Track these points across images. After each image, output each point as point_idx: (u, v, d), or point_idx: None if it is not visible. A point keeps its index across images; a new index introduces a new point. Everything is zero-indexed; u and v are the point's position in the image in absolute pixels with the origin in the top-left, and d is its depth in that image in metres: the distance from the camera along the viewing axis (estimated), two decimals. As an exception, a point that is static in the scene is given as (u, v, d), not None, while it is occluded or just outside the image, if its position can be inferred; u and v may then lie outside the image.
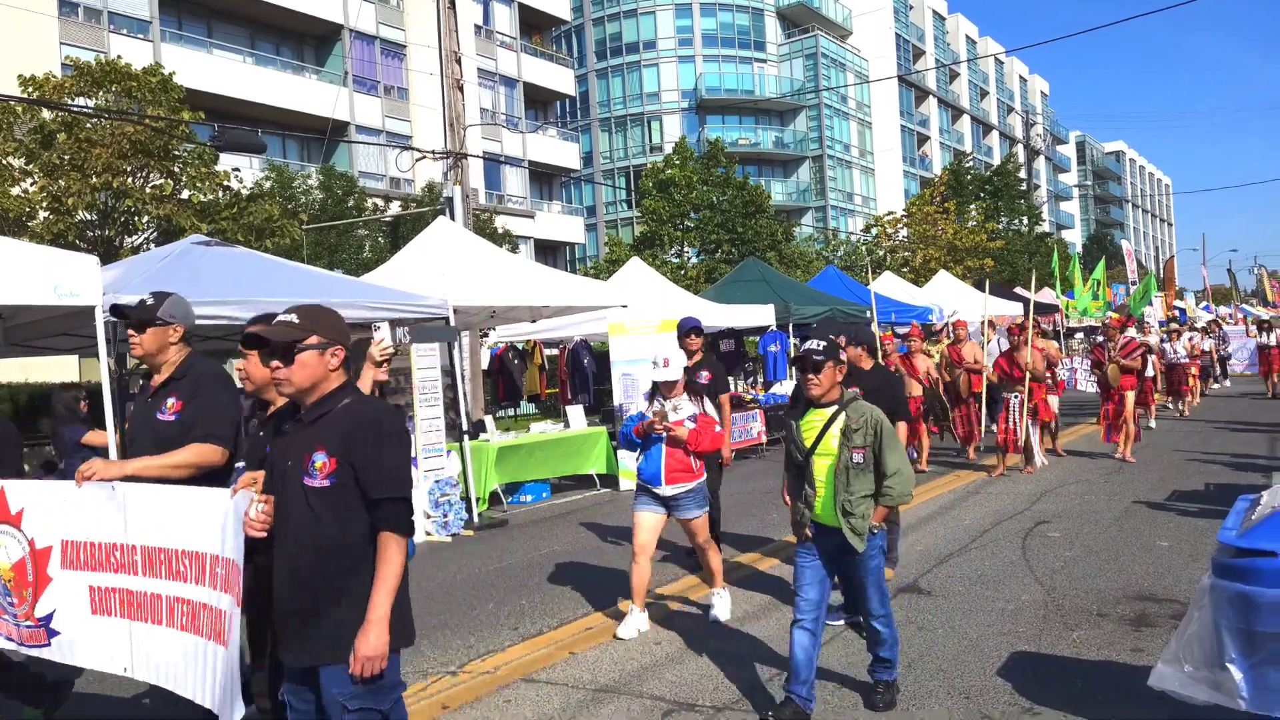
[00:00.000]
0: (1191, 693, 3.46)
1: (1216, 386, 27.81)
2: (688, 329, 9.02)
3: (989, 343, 16.32)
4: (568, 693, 5.87)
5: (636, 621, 6.94)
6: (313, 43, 41.15)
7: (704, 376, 8.72)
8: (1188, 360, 21.22)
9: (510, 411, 23.79)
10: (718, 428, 6.91)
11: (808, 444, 5.29)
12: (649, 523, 6.88)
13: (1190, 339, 22.42)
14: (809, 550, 5.28)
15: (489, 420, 14.44)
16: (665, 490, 6.77)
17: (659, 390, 6.89)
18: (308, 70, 40.09)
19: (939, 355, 15.72)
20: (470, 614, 7.71)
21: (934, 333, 17.76)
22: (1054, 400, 14.87)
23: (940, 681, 5.67)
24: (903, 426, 7.40)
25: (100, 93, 19.45)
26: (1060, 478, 13.06)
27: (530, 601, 8.01)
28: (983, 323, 17.11)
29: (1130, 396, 14.23)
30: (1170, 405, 21.01)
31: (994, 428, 14.35)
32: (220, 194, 21.06)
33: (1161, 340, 21.15)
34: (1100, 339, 15.18)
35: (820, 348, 5.16)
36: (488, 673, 6.22)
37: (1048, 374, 14.25)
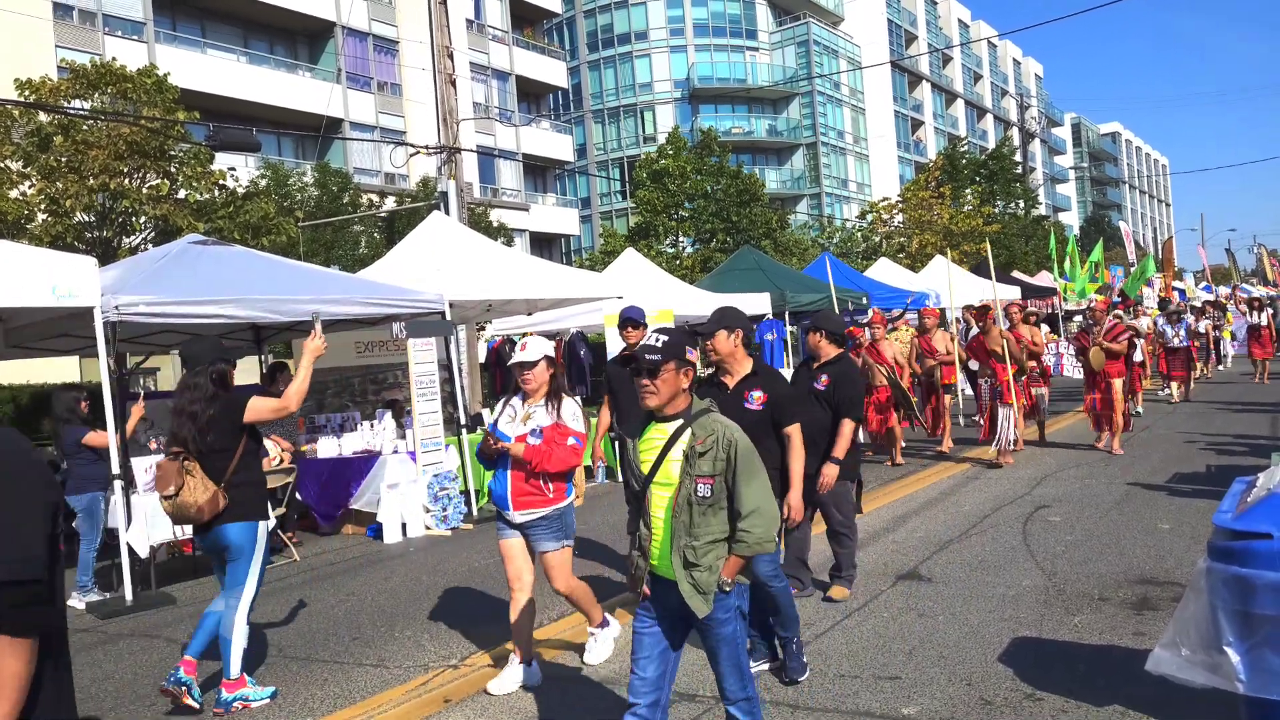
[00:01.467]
0: (1189, 676, 3.46)
1: (1221, 369, 27.59)
2: (624, 320, 8.29)
3: (972, 328, 15.70)
4: (568, 684, 5.89)
5: (513, 674, 5.83)
6: (306, 40, 41.11)
7: None
8: (1190, 343, 20.59)
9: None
10: (572, 440, 5.63)
11: (645, 469, 4.08)
12: (515, 549, 5.79)
13: (1186, 324, 21.08)
14: (647, 612, 4.13)
15: (487, 413, 14.43)
16: (514, 516, 5.64)
17: (519, 381, 5.76)
18: (301, 68, 40.05)
19: (909, 345, 15.18)
20: (470, 607, 7.73)
21: (892, 320, 17.13)
22: (1038, 391, 14.33)
23: (941, 668, 5.68)
24: (846, 424, 6.77)
25: (96, 95, 19.43)
26: (1060, 462, 13.07)
27: (532, 595, 8.02)
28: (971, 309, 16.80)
29: (1118, 384, 13.45)
30: (1164, 390, 20.47)
31: (979, 419, 14.17)
32: (216, 193, 21.04)
33: (1156, 323, 20.68)
34: (1089, 323, 14.25)
35: (659, 344, 3.99)
36: (489, 665, 6.24)
37: (1032, 364, 13.93)
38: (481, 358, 21.29)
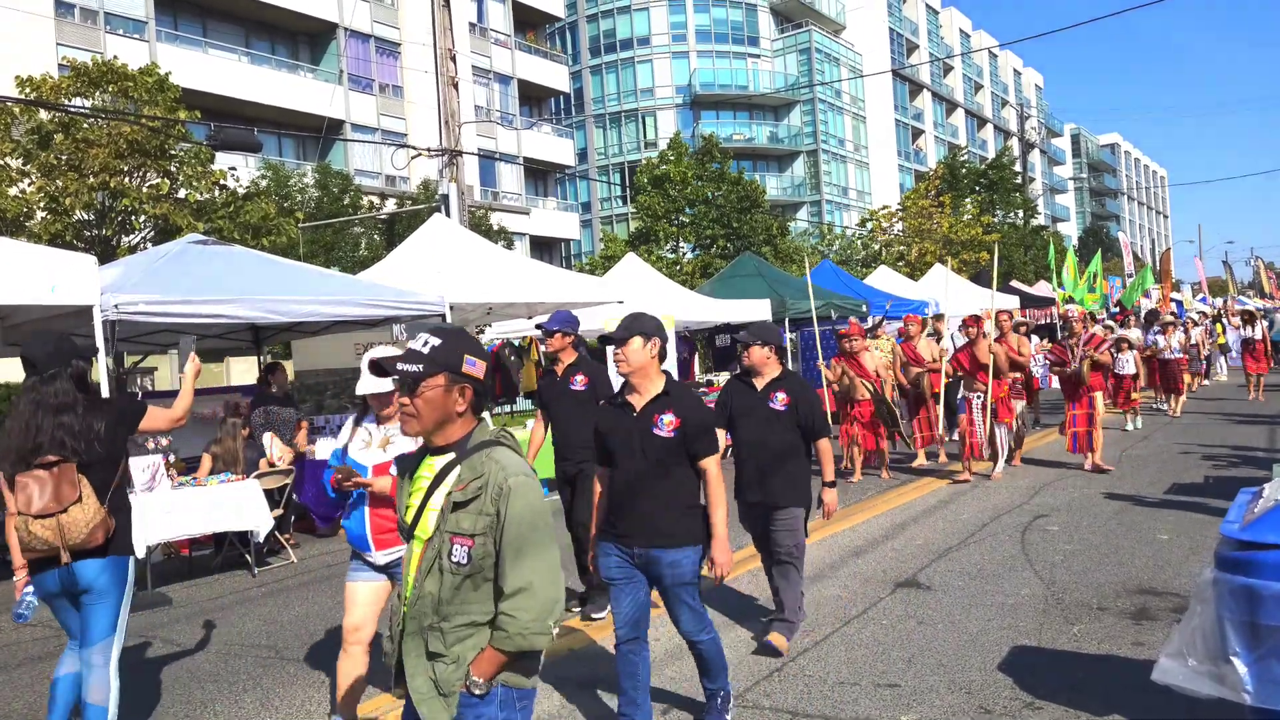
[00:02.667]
0: (1195, 686, 3.46)
1: (1209, 382, 27.44)
2: (545, 328, 7.55)
3: (941, 339, 15.52)
4: (567, 689, 5.87)
5: None
6: (308, 41, 41.15)
7: (579, 381, 7.58)
8: (1181, 355, 20.10)
9: (507, 408, 23.77)
10: None
11: (409, 516, 3.08)
12: (363, 595, 4.97)
13: (1180, 337, 20.52)
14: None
15: (486, 417, 14.38)
16: (378, 557, 4.92)
17: (371, 409, 5.08)
18: (303, 69, 40.09)
19: (891, 353, 14.54)
20: (470, 612, 7.69)
21: (871, 329, 16.63)
22: (1019, 405, 13.65)
23: (941, 676, 5.67)
24: (825, 444, 6.34)
25: (97, 93, 19.47)
26: (1059, 472, 13.04)
27: (530, 599, 7.96)
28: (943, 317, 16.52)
29: (1099, 398, 12.95)
30: (1159, 404, 20.32)
31: (954, 435, 13.69)
32: (217, 193, 21.07)
33: (1148, 334, 20.41)
34: (1064, 335, 13.61)
35: (424, 349, 2.98)
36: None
37: (1016, 375, 13.37)
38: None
